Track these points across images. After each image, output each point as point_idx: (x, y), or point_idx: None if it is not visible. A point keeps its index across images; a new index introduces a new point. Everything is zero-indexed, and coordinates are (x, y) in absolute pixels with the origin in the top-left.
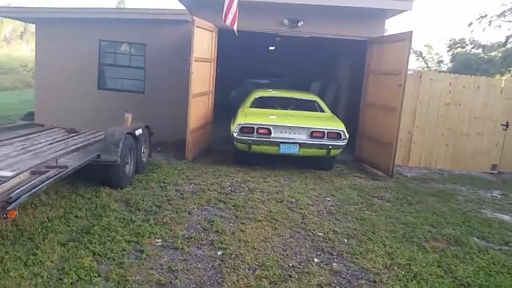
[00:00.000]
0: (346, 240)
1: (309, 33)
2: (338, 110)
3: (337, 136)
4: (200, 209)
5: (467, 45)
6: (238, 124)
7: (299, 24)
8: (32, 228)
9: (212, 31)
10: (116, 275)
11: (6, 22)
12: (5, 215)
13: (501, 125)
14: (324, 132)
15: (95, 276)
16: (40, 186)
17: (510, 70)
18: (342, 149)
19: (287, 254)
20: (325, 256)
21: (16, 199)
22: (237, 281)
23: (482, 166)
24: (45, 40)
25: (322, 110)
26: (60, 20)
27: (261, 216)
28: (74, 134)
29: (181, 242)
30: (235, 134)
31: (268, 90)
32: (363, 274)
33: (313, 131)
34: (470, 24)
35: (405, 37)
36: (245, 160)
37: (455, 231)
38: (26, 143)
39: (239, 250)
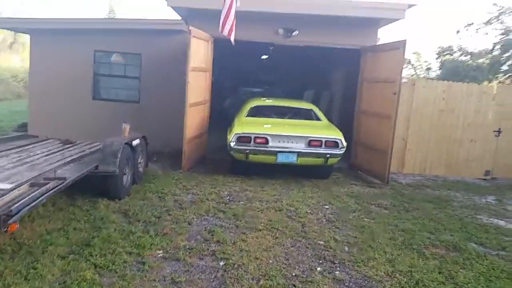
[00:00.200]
0: (347, 248)
1: (303, 42)
2: (332, 118)
3: (335, 144)
4: (200, 219)
5: (455, 52)
6: (235, 133)
7: (294, 33)
8: (30, 241)
9: (208, 41)
10: (119, 287)
11: None
12: (6, 229)
13: (494, 131)
14: (322, 140)
15: None
16: (40, 199)
17: (498, 77)
18: (340, 158)
19: (289, 263)
20: (328, 265)
21: (17, 212)
22: None
23: (476, 172)
24: (39, 51)
25: (318, 119)
26: (55, 30)
27: (261, 225)
28: (70, 145)
29: (182, 253)
30: (232, 144)
31: (264, 99)
32: (366, 282)
33: (311, 140)
34: (457, 32)
35: (399, 46)
36: (242, 169)
37: (453, 237)
38: (22, 154)
39: (242, 260)
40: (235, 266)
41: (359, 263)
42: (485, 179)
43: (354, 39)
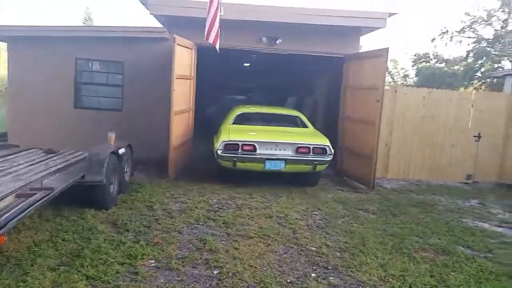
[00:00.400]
0: (339, 254)
1: (287, 50)
2: (315, 124)
3: (323, 151)
4: (190, 227)
5: (431, 59)
6: (223, 141)
7: (277, 41)
8: (18, 253)
9: (191, 49)
10: None
11: None
12: None
13: (474, 136)
14: (309, 147)
15: None
16: (28, 210)
17: (472, 83)
18: (327, 165)
19: (283, 270)
20: (321, 271)
21: (5, 224)
22: None
23: (458, 176)
24: (18, 59)
25: (305, 126)
26: (34, 38)
27: (253, 233)
28: (53, 154)
29: (175, 262)
30: (219, 152)
31: (250, 106)
32: (361, 287)
33: (298, 147)
34: (433, 40)
35: (382, 54)
36: (229, 177)
37: (440, 241)
38: (4, 165)
39: (236, 268)
40: (230, 274)
41: (352, 268)
42: (467, 183)
43: (337, 47)
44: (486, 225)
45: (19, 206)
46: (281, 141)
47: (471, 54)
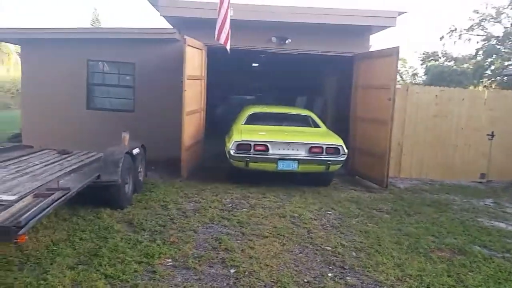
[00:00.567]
0: (354, 254)
1: (296, 50)
2: (326, 124)
3: (336, 151)
4: (205, 227)
5: (440, 58)
6: (235, 141)
7: (287, 41)
8: (37, 252)
9: (202, 50)
10: None
11: None
12: (16, 240)
13: (487, 135)
14: (323, 147)
15: None
16: (47, 210)
17: (482, 81)
18: (341, 165)
19: (300, 270)
20: (338, 270)
21: (26, 224)
22: None
23: (471, 175)
24: (31, 61)
25: (317, 125)
26: (47, 40)
27: (267, 232)
28: (67, 155)
29: (192, 261)
30: (231, 152)
31: (261, 106)
32: (378, 287)
33: (311, 147)
34: (441, 38)
35: (393, 53)
36: (241, 177)
37: (457, 241)
38: (20, 165)
39: (252, 267)
40: (246, 273)
41: (369, 268)
42: (480, 182)
43: (346, 46)
44: (503, 225)
45: (38, 206)
46: (293, 141)
47: (480, 52)
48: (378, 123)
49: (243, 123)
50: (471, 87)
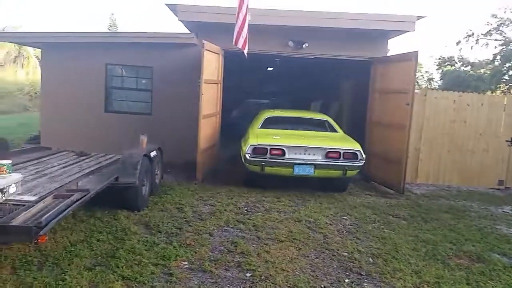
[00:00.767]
0: (371, 260)
1: (313, 54)
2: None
3: (354, 156)
4: (221, 230)
5: (456, 63)
6: (251, 145)
7: (304, 45)
8: (55, 253)
9: (218, 54)
10: None
11: (0, 45)
12: (37, 240)
13: (506, 141)
14: (340, 152)
15: None
16: (67, 211)
17: (500, 87)
18: (359, 170)
19: (316, 275)
20: (355, 277)
21: (46, 224)
22: None
23: (489, 182)
24: (51, 64)
25: (334, 130)
26: (66, 44)
27: (283, 237)
28: (85, 157)
29: (208, 264)
30: (247, 156)
31: (277, 110)
32: None
33: (328, 152)
34: (458, 43)
35: (411, 57)
36: (257, 182)
37: (475, 248)
38: (39, 166)
39: (268, 271)
40: (263, 277)
41: (386, 274)
42: (498, 189)
43: (364, 51)
44: None
45: (58, 207)
46: (310, 145)
47: (498, 57)
48: (395, 128)
49: (259, 127)
50: (488, 93)
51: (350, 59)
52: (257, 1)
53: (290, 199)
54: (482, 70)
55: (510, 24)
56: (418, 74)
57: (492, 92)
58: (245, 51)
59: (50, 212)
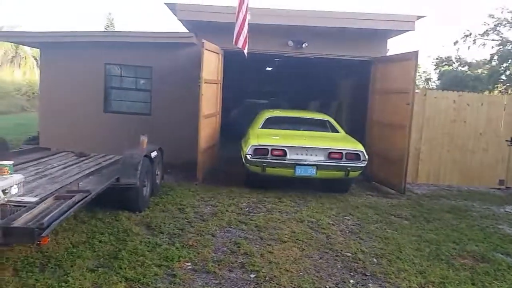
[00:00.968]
0: (375, 260)
1: (313, 54)
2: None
3: (356, 157)
4: (223, 231)
5: (454, 63)
6: (252, 145)
7: (304, 45)
8: (57, 254)
9: (218, 53)
10: None
11: None
12: (39, 242)
13: (506, 140)
14: (342, 153)
15: None
16: (69, 212)
17: (497, 87)
18: (361, 171)
19: (321, 276)
20: (359, 277)
21: (48, 225)
22: None
23: (490, 182)
24: (50, 64)
25: (335, 130)
26: (65, 44)
27: (286, 237)
28: (85, 157)
29: (211, 265)
30: (248, 156)
31: (278, 110)
32: None
33: (330, 152)
34: (455, 43)
35: (411, 57)
36: (258, 183)
37: (478, 248)
38: (39, 167)
39: (272, 272)
40: (267, 278)
41: (391, 275)
42: (499, 189)
43: (364, 50)
44: None
45: (59, 208)
46: (312, 146)
47: (495, 57)
48: (395, 128)
49: (260, 127)
50: (486, 92)
51: (349, 58)
52: (257, 1)
53: (291, 200)
54: (479, 70)
55: (507, 24)
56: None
57: (489, 92)
58: (245, 51)
59: (52, 214)
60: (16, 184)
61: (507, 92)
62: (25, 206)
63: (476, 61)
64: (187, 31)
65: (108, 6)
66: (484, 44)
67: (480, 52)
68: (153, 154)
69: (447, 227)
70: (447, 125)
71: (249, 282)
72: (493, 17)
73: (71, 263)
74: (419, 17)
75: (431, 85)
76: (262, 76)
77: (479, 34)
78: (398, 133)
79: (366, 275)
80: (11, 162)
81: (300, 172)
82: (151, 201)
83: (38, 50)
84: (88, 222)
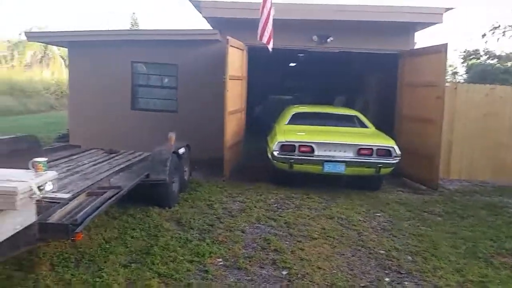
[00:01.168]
0: (410, 258)
1: (338, 48)
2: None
3: (388, 153)
4: (252, 227)
5: (482, 56)
6: (278, 142)
7: (329, 40)
8: (91, 250)
9: (242, 50)
10: None
11: (27, 47)
12: (73, 238)
13: None
14: (373, 149)
15: None
16: (101, 208)
17: None
18: (393, 168)
19: (355, 274)
20: (395, 275)
21: (82, 221)
22: None
23: None
24: (78, 63)
25: (364, 126)
26: (93, 42)
27: (316, 234)
28: (114, 154)
29: (242, 261)
30: (275, 153)
31: (304, 105)
32: None
33: (360, 148)
34: (483, 35)
35: (441, 49)
36: (285, 180)
37: None
38: (70, 164)
39: (304, 269)
40: (299, 275)
41: (427, 272)
42: None
43: (391, 44)
44: None
45: (92, 204)
46: (341, 142)
47: None
48: (426, 122)
49: (286, 123)
50: None
51: (376, 52)
52: None
53: (319, 196)
54: (509, 63)
55: None
56: None
57: None
58: (270, 47)
59: (85, 210)
60: (50, 181)
61: None
62: (58, 203)
63: (506, 53)
64: (211, 28)
65: (130, 5)
66: None
67: (510, 44)
68: (181, 150)
69: (483, 224)
70: (479, 119)
71: (281, 279)
72: None
73: (105, 259)
74: (447, 9)
75: (458, 79)
76: (286, 72)
77: (508, 26)
78: (428, 127)
79: (401, 273)
80: (45, 159)
81: (328, 168)
82: (180, 197)
83: (65, 50)
84: (120, 218)
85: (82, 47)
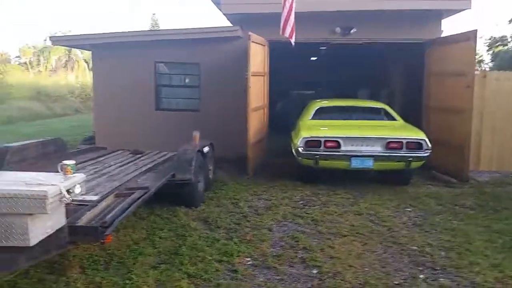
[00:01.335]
0: (444, 253)
1: (362, 39)
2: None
3: (418, 146)
4: (279, 225)
5: (509, 42)
6: (303, 137)
7: (352, 31)
8: (120, 251)
9: (264, 45)
10: None
11: (52, 51)
12: (103, 240)
13: None
14: (402, 142)
15: None
16: (129, 209)
17: None
18: (424, 161)
19: (387, 271)
20: (429, 272)
21: (111, 224)
22: None
23: None
24: (101, 65)
25: (392, 118)
26: (116, 44)
27: (345, 231)
28: (140, 155)
29: (271, 260)
30: (300, 149)
31: (329, 99)
32: None
33: (389, 142)
34: (510, 21)
35: (470, 36)
36: (310, 176)
37: None
38: (97, 166)
39: (335, 268)
40: (330, 274)
41: (463, 268)
42: None
43: (416, 32)
44: None
45: (120, 205)
46: (368, 135)
47: None
48: (455, 113)
49: (310, 118)
50: None
51: (401, 42)
52: None
53: (346, 192)
54: None
55: None
56: None
57: None
58: (292, 40)
59: (114, 211)
60: (78, 184)
61: None
62: (86, 205)
63: None
64: (231, 24)
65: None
66: None
67: None
68: (205, 149)
69: None
70: (510, 108)
71: (312, 278)
72: None
73: (134, 260)
74: None
75: (484, 67)
76: (308, 66)
77: None
78: (457, 118)
79: (436, 270)
80: (74, 162)
81: (356, 164)
82: (206, 196)
83: (88, 54)
84: (147, 219)
85: (106, 49)
